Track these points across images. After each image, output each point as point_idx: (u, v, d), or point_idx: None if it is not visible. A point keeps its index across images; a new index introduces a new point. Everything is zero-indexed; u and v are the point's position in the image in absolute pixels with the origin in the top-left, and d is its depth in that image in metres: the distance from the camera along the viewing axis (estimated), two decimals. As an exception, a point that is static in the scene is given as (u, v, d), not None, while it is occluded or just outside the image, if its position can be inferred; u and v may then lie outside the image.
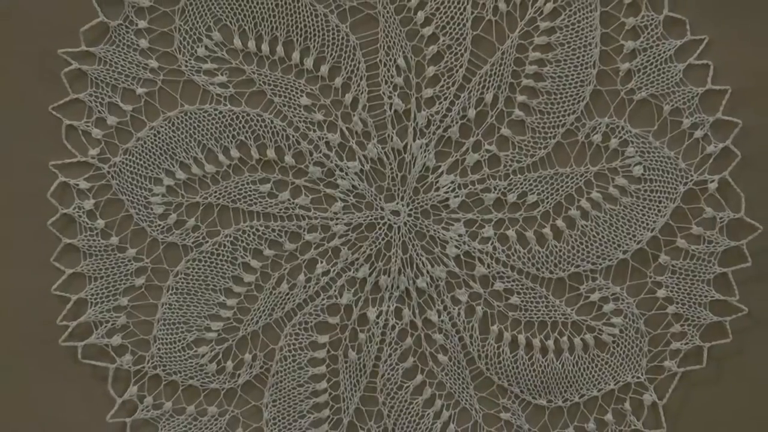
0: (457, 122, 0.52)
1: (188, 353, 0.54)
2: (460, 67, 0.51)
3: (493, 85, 0.51)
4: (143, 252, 0.53)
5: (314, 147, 0.52)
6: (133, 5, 0.50)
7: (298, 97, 0.51)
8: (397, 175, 0.52)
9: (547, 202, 0.52)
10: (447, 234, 0.53)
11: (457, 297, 0.53)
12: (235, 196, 0.52)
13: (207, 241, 0.53)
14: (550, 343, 0.54)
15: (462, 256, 0.53)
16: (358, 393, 0.54)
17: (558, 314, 0.53)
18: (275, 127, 0.52)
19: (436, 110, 0.51)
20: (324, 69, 0.51)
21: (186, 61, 0.51)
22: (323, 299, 0.54)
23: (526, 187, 0.52)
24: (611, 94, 0.51)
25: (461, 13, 0.50)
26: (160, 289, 0.53)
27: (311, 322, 0.54)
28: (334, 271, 0.53)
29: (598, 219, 0.52)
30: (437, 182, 0.53)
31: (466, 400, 0.54)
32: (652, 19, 0.50)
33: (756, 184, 0.51)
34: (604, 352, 0.54)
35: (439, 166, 0.52)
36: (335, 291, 0.54)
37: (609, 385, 0.54)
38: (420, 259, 0.53)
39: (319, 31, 0.50)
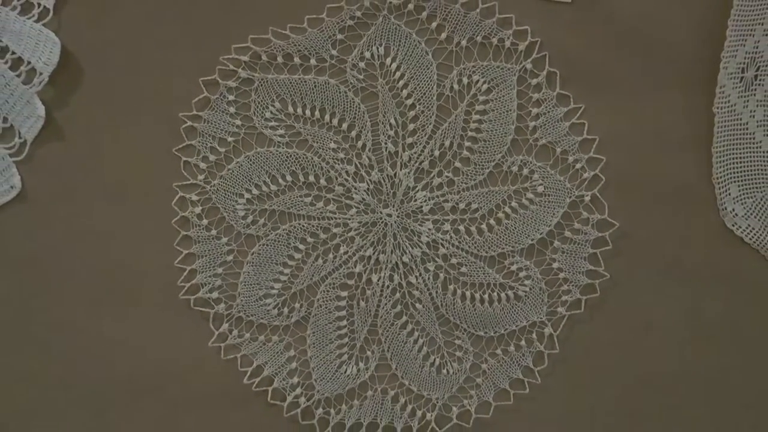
0: (428, 159, 0.59)
1: (260, 303, 0.61)
2: (430, 124, 0.58)
3: (449, 135, 0.58)
4: (232, 240, 0.60)
5: (338, 174, 0.59)
6: (226, 86, 0.58)
7: (328, 143, 0.59)
8: (390, 191, 0.59)
9: (484, 209, 0.60)
10: (421, 228, 0.60)
11: (428, 267, 0.60)
12: (289, 205, 0.59)
13: (271, 233, 0.60)
14: (486, 296, 0.61)
15: (431, 242, 0.60)
16: (366, 328, 0.62)
17: (491, 278, 0.61)
18: (314, 161, 0.59)
19: (414, 151, 0.59)
20: (344, 126, 0.58)
21: (258, 121, 0.59)
22: (344, 269, 0.61)
23: (471, 199, 0.59)
24: (524, 141, 0.59)
25: (430, 91, 0.58)
26: (242, 263, 0.60)
27: (336, 283, 0.61)
28: (351, 251, 0.60)
29: (516, 219, 0.60)
30: (415, 196, 0.60)
31: (434, 332, 0.62)
32: (549, 95, 0.58)
33: (613, 197, 0.60)
34: (519, 303, 0.61)
35: (417, 186, 0.59)
36: (352, 264, 0.60)
37: (523, 323, 0.62)
38: (404, 244, 0.60)
39: (341, 102, 0.58)
